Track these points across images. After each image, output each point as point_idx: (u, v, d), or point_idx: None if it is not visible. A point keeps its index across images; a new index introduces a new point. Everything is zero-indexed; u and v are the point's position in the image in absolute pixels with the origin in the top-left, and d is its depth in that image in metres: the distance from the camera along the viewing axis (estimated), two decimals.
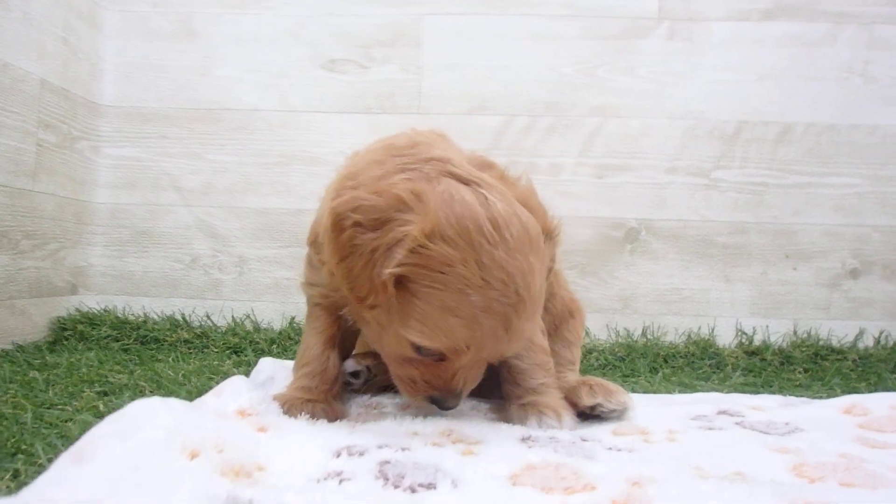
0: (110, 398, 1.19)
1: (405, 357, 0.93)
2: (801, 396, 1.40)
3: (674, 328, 1.98)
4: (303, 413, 0.98)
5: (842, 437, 0.89)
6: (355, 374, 1.20)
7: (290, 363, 1.47)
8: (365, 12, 2.02)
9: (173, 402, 0.77)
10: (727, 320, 1.98)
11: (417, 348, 0.90)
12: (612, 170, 2.00)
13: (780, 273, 1.99)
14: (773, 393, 1.52)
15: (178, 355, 1.71)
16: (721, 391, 1.54)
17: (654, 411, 1.08)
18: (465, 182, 0.88)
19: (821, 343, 1.92)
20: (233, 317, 1.96)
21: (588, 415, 1.06)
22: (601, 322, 1.99)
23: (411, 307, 0.86)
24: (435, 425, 0.94)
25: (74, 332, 1.84)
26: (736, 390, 1.54)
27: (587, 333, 1.95)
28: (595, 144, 2.00)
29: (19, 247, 1.69)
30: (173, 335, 1.86)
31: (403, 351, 0.92)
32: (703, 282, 2.00)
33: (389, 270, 0.84)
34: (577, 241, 1.98)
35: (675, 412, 1.06)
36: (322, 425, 0.93)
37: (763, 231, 1.99)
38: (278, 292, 2.01)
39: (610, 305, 2.00)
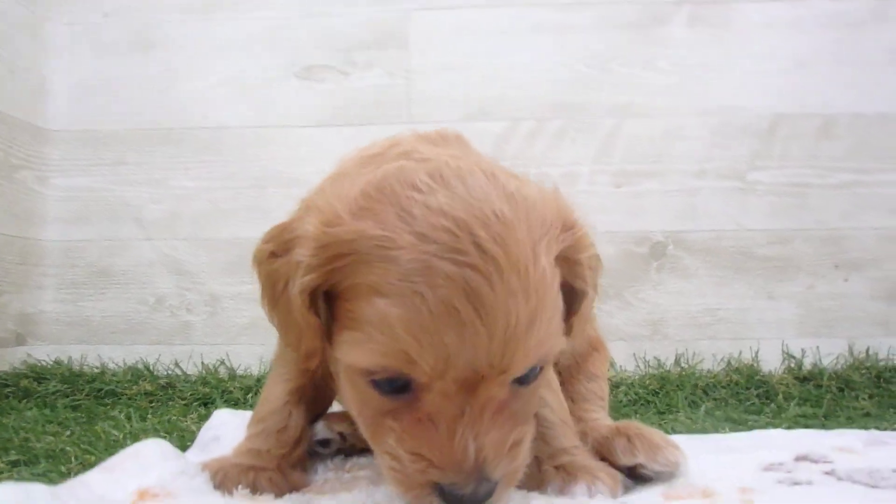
0: (20, 469, 0.99)
1: (372, 412, 0.63)
2: (873, 429, 1.17)
3: (711, 354, 1.73)
4: (240, 486, 0.72)
5: None
6: (324, 443, 0.93)
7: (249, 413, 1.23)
8: (344, 11, 1.78)
9: (33, 490, 0.57)
10: (771, 343, 1.73)
11: (371, 377, 0.61)
12: (634, 177, 1.76)
13: (829, 286, 1.74)
14: (838, 426, 1.29)
15: (135, 411, 1.46)
16: (778, 426, 1.32)
17: (710, 460, 0.84)
18: (425, 161, 0.66)
19: (882, 364, 1.68)
20: (203, 363, 1.70)
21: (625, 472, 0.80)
22: (627, 351, 1.74)
23: (342, 317, 0.61)
24: None
25: (17, 388, 1.59)
26: (796, 424, 1.32)
27: (612, 365, 1.70)
28: (613, 148, 1.76)
29: None
30: (133, 387, 1.60)
31: (362, 396, 0.63)
32: (741, 300, 1.75)
33: (299, 282, 0.60)
34: None
35: (738, 461, 0.83)
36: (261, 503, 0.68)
37: (808, 239, 1.74)
38: (256, 333, 1.75)
39: (637, 332, 1.75)
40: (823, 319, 1.74)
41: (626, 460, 0.77)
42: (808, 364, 1.70)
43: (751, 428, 1.31)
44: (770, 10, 1.74)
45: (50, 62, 1.78)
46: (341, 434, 0.93)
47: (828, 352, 1.71)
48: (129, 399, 1.58)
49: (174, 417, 1.40)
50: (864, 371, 1.66)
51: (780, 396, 1.58)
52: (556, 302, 0.62)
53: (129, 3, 1.79)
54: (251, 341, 1.75)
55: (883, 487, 0.71)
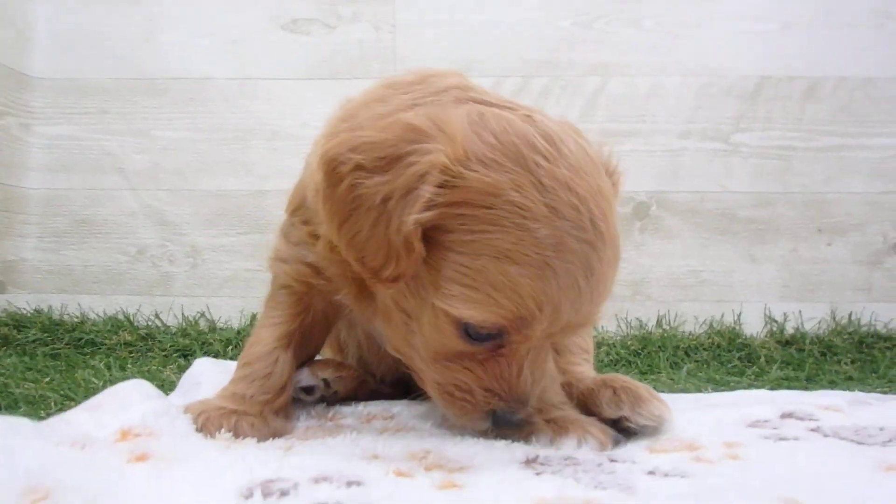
0: (2, 413, 0.97)
1: (449, 353, 0.68)
2: (857, 391, 1.15)
3: (693, 316, 1.72)
4: (222, 429, 0.71)
5: None
6: (308, 390, 0.92)
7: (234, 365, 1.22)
8: None
9: (17, 423, 0.55)
10: (754, 306, 1.73)
11: (466, 329, 0.65)
12: (618, 136, 1.75)
13: (812, 250, 1.74)
14: (821, 388, 1.29)
15: (114, 360, 1.45)
16: (761, 388, 1.31)
17: (694, 417, 0.83)
18: (498, 107, 0.67)
19: (864, 329, 1.68)
20: (184, 315, 1.69)
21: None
22: (609, 311, 1.72)
23: (451, 269, 0.63)
24: (404, 443, 0.69)
25: None
26: (778, 387, 1.31)
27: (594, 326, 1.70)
28: (597, 107, 1.75)
29: None
30: (113, 337, 1.60)
31: (445, 342, 0.67)
32: (724, 262, 1.75)
33: (414, 217, 0.60)
34: None
35: (724, 417, 0.81)
36: (243, 448, 0.67)
37: (791, 202, 1.74)
38: (237, 286, 1.75)
39: (619, 292, 1.75)
40: (806, 283, 1.74)
41: (610, 412, 0.77)
42: (790, 328, 1.70)
43: (733, 388, 1.30)
44: None
45: (35, 9, 1.76)
46: (325, 381, 0.92)
47: (810, 316, 1.71)
48: (109, 349, 1.58)
49: (154, 368, 1.40)
50: (846, 336, 1.66)
51: (763, 359, 1.58)
52: None
53: None
54: (232, 294, 1.75)
55: (869, 444, 0.70)
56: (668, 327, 1.72)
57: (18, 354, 1.49)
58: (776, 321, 1.71)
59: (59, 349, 1.56)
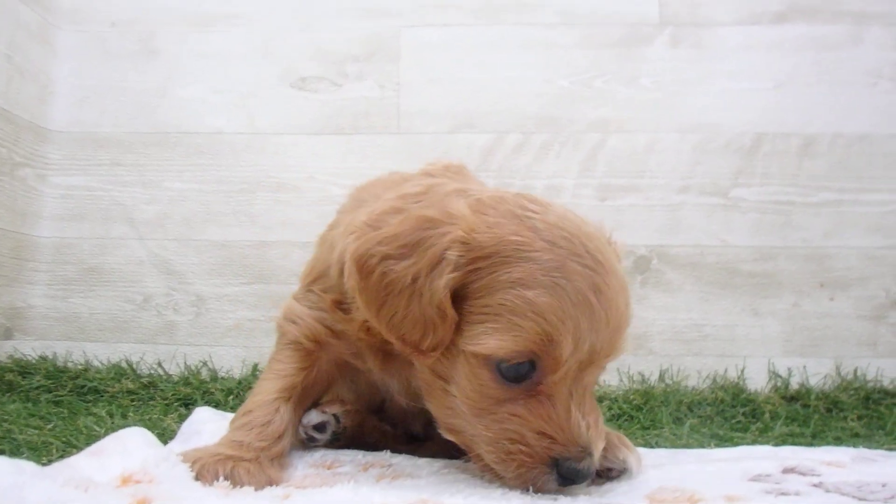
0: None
1: (489, 402, 0.71)
2: (862, 448, 1.13)
3: (696, 371, 1.71)
4: (220, 477, 0.73)
5: None
6: (320, 427, 0.94)
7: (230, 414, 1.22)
8: (338, 26, 1.85)
9: (24, 465, 0.57)
10: (757, 361, 1.71)
11: (499, 369, 0.70)
12: (617, 191, 1.78)
13: (815, 304, 1.73)
14: (826, 444, 1.26)
15: (116, 408, 1.46)
16: (766, 445, 1.28)
17: (695, 469, 0.84)
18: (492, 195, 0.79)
19: (870, 385, 1.65)
20: (185, 364, 1.70)
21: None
22: (611, 365, 1.71)
23: (473, 314, 0.71)
24: (401, 492, 0.68)
25: (2, 381, 1.59)
26: (783, 443, 1.29)
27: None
28: (596, 163, 1.79)
29: None
30: (116, 385, 1.61)
31: (483, 389, 0.71)
32: (727, 316, 1.74)
33: (445, 278, 0.69)
34: None
35: (725, 471, 0.81)
36: (242, 496, 0.67)
37: (793, 256, 1.74)
38: (240, 335, 1.76)
39: None
40: (810, 338, 1.72)
41: None
42: (795, 383, 1.68)
43: (737, 444, 1.27)
44: (748, 32, 1.78)
45: (58, 67, 1.85)
46: (335, 416, 0.95)
47: (815, 371, 1.69)
48: (112, 397, 1.58)
49: (155, 416, 1.40)
50: (852, 392, 1.63)
51: (767, 415, 1.55)
52: None
53: (136, 13, 1.87)
54: (234, 343, 1.76)
55: (871, 501, 0.69)
56: (671, 382, 1.70)
57: (22, 401, 1.50)
58: (780, 376, 1.69)
59: (62, 396, 1.56)
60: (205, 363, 1.73)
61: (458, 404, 0.73)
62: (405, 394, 0.90)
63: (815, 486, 0.76)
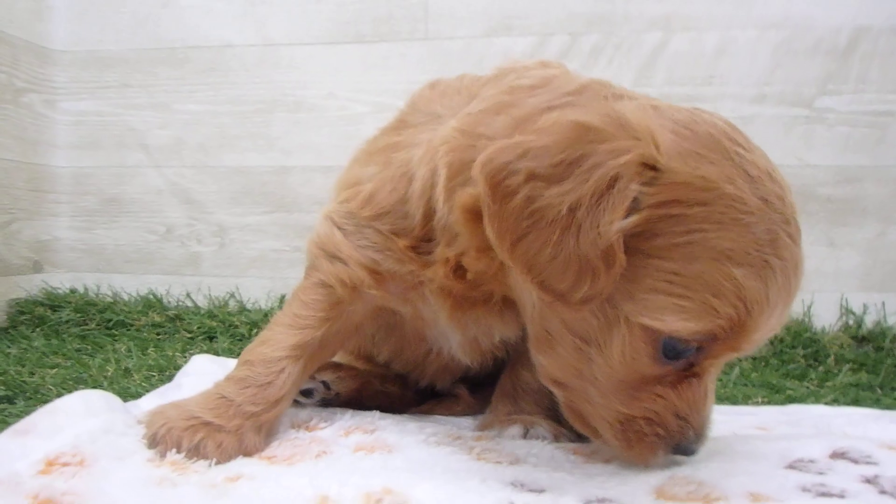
0: (4, 406, 0.99)
1: (637, 379, 0.61)
2: None
3: None
4: (178, 448, 0.65)
5: None
6: (307, 393, 0.86)
7: (233, 363, 1.17)
8: None
9: None
10: (829, 296, 1.52)
11: (665, 346, 0.58)
12: (680, 101, 1.48)
13: None
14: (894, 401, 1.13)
15: (137, 344, 1.44)
16: (823, 397, 1.16)
17: (722, 448, 0.72)
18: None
19: None
20: (210, 296, 1.66)
21: None
22: None
23: (655, 278, 0.56)
24: (365, 480, 0.60)
25: (32, 316, 1.60)
26: (844, 396, 1.17)
27: None
28: (656, 69, 1.53)
29: None
30: (143, 318, 1.59)
31: (636, 365, 0.59)
32: None
33: (619, 224, 0.54)
34: None
35: (759, 452, 0.70)
36: (180, 486, 0.60)
37: (884, 178, 1.49)
38: (265, 266, 1.69)
39: None
40: (893, 272, 1.51)
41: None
42: (870, 322, 1.50)
43: (789, 399, 1.16)
44: None
45: None
46: (324, 383, 0.86)
47: (894, 310, 1.49)
48: (137, 330, 1.57)
49: (173, 353, 1.37)
50: None
51: (832, 359, 1.40)
52: None
53: None
54: (259, 274, 1.69)
55: None
56: None
57: (48, 336, 1.51)
58: (854, 314, 1.50)
59: (90, 330, 1.56)
60: (232, 294, 1.68)
61: (594, 370, 0.61)
62: (468, 349, 0.79)
63: (867, 481, 0.64)
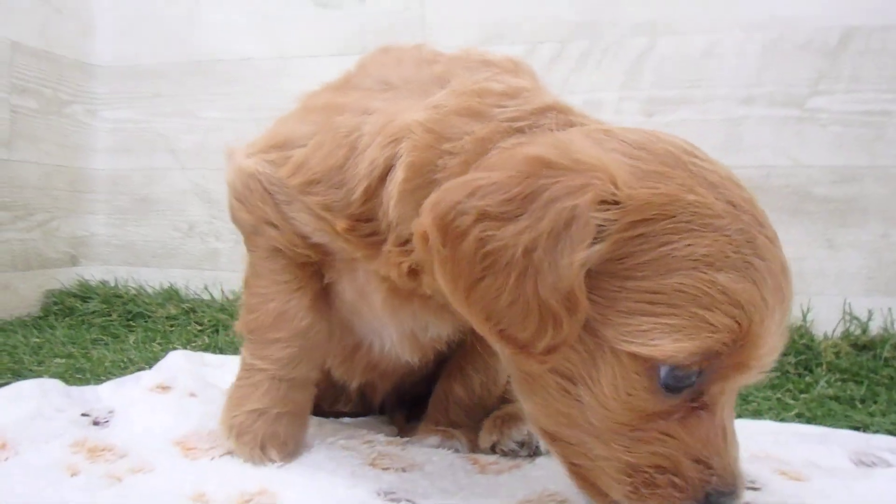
0: None
1: (636, 418, 0.53)
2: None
3: None
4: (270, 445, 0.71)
5: None
6: None
7: (211, 358, 1.25)
8: None
9: None
10: (830, 300, 1.47)
11: (663, 375, 0.52)
12: (667, 104, 1.55)
13: None
14: (878, 415, 1.07)
15: (149, 335, 1.56)
16: (788, 410, 1.10)
17: None
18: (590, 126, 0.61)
19: None
20: (222, 290, 1.78)
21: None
22: None
23: (633, 300, 0.51)
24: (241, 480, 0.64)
25: (64, 306, 1.76)
26: (814, 409, 1.10)
27: None
28: (643, 72, 1.56)
29: None
30: (160, 310, 1.71)
31: (633, 401, 0.53)
32: (796, 248, 1.50)
33: (582, 256, 0.50)
34: None
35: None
36: (100, 465, 0.67)
37: (883, 177, 1.45)
38: None
39: None
40: None
41: (484, 442, 0.79)
42: (875, 328, 1.44)
43: (750, 412, 1.08)
44: None
45: (95, 1, 1.88)
46: None
47: None
48: (154, 322, 1.69)
49: (174, 346, 1.46)
50: None
51: (823, 367, 1.34)
52: None
53: None
54: None
55: None
56: None
57: (71, 326, 1.63)
58: (857, 319, 1.45)
59: (111, 321, 1.70)
60: None
61: (585, 414, 0.54)
62: (408, 345, 0.75)
63: None
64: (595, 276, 0.51)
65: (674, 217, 0.51)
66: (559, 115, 0.61)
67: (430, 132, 0.61)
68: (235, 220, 0.77)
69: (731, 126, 1.52)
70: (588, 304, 0.51)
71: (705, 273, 0.50)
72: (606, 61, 1.57)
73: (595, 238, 0.50)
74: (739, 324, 0.50)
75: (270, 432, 0.70)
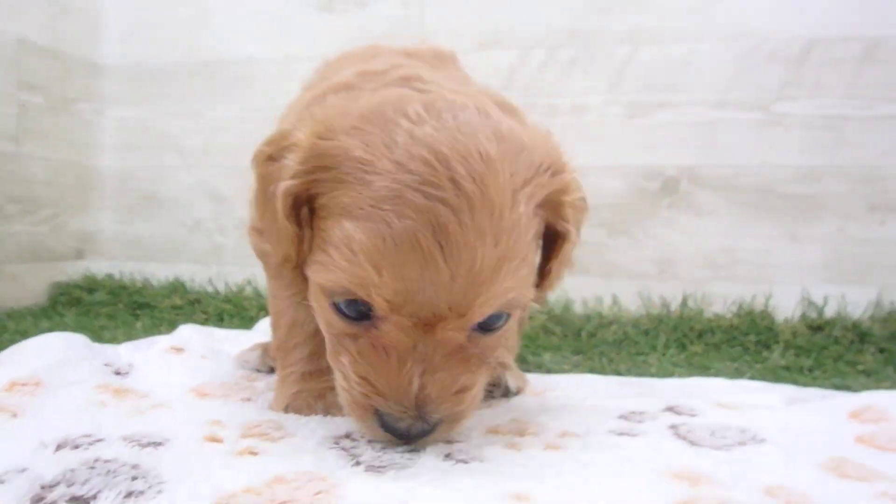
0: None
1: (334, 327, 0.63)
2: (861, 388, 1.06)
3: (722, 298, 1.65)
4: (318, 407, 0.74)
5: (808, 460, 0.59)
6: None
7: (220, 333, 1.34)
8: None
9: None
10: (792, 288, 1.62)
11: (329, 296, 0.61)
12: (648, 108, 1.68)
13: (863, 229, 1.59)
14: (822, 380, 1.19)
15: (155, 322, 1.63)
16: (741, 374, 1.21)
17: (580, 402, 0.81)
18: (420, 91, 0.69)
19: None
20: (227, 283, 1.86)
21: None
22: (632, 289, 1.69)
23: (317, 237, 0.62)
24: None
25: (70, 297, 1.82)
26: (766, 375, 1.22)
27: (614, 301, 1.68)
28: (626, 78, 1.69)
29: (4, 211, 1.66)
30: (166, 301, 1.79)
31: (328, 317, 0.63)
32: (762, 241, 1.65)
33: (282, 187, 0.61)
34: (605, 194, 1.69)
35: (608, 407, 0.78)
36: (128, 401, 0.74)
37: (841, 176, 1.60)
38: None
39: (643, 269, 1.70)
40: (854, 265, 1.60)
41: None
42: (830, 312, 1.58)
43: (707, 373, 1.19)
44: None
45: (106, 1, 1.96)
46: (272, 369, 0.96)
47: (854, 301, 1.58)
48: (160, 311, 1.77)
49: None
50: (888, 323, 1.50)
51: (781, 345, 1.46)
52: (530, 251, 0.61)
53: None
54: None
55: (703, 446, 0.63)
56: (694, 307, 1.65)
57: (81, 315, 1.69)
58: (815, 304, 1.59)
59: (118, 310, 1.77)
60: (249, 282, 1.87)
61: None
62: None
63: (672, 427, 0.68)
64: (314, 217, 0.62)
65: (341, 168, 0.59)
66: (402, 82, 0.72)
67: (309, 106, 0.72)
68: (253, 247, 0.89)
69: (706, 128, 1.66)
70: (294, 227, 0.62)
71: (340, 220, 0.58)
72: (593, 67, 1.70)
73: (291, 175, 0.61)
74: (355, 271, 0.56)
75: (319, 393, 0.75)
